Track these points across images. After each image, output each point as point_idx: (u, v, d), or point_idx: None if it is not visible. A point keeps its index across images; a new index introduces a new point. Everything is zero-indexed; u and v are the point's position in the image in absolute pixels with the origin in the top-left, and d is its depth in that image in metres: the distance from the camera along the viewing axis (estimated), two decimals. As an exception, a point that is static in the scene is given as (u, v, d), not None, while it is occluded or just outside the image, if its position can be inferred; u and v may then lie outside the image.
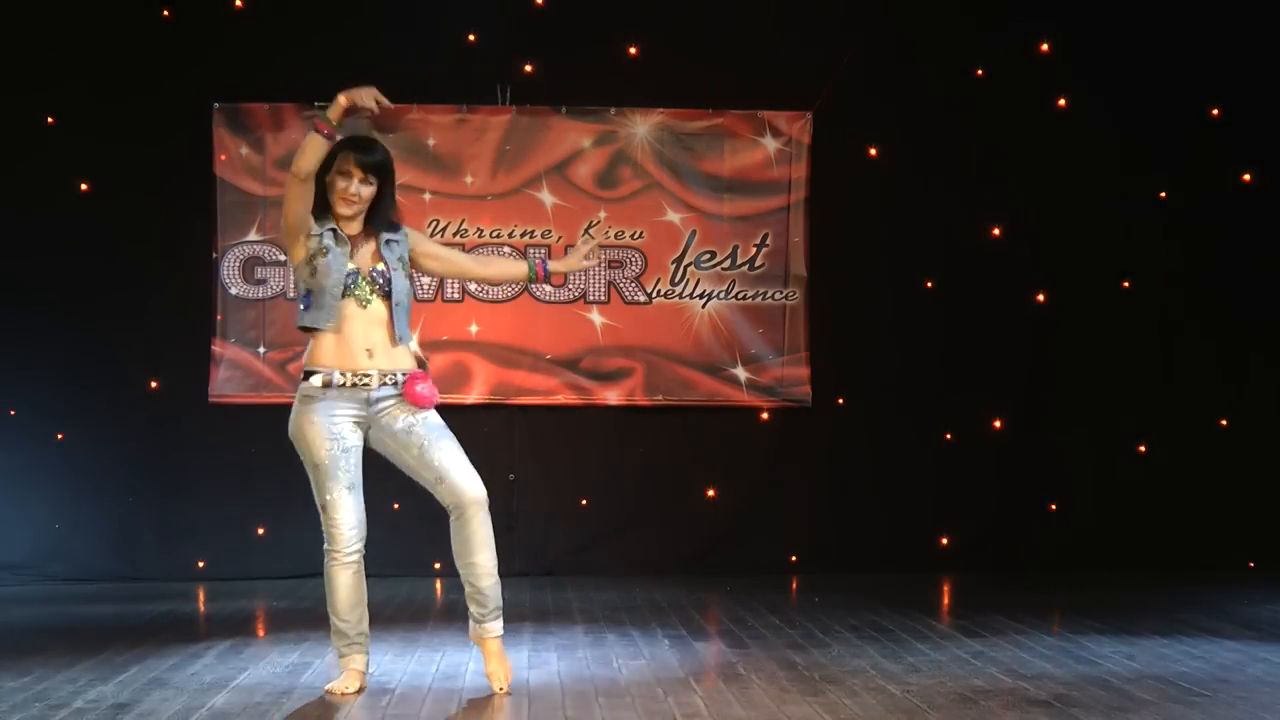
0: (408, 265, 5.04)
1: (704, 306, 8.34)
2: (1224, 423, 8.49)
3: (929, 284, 8.41)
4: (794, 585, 7.94)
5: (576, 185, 8.31)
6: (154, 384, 8.16)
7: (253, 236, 8.17)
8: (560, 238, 8.24)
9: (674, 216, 8.34)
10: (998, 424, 8.44)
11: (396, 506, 7.45)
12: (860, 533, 8.30)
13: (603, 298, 8.31)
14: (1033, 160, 8.40)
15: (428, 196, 8.20)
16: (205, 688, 5.05)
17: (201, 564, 8.12)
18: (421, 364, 5.02)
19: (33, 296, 8.05)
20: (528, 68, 8.29)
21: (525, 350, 8.27)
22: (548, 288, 8.22)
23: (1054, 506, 8.41)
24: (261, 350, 8.15)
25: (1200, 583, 7.73)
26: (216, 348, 8.14)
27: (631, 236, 8.31)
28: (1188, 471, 8.43)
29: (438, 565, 7.90)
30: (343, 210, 4.93)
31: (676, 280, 8.33)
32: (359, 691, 4.98)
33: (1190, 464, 8.43)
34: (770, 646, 5.87)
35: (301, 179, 4.79)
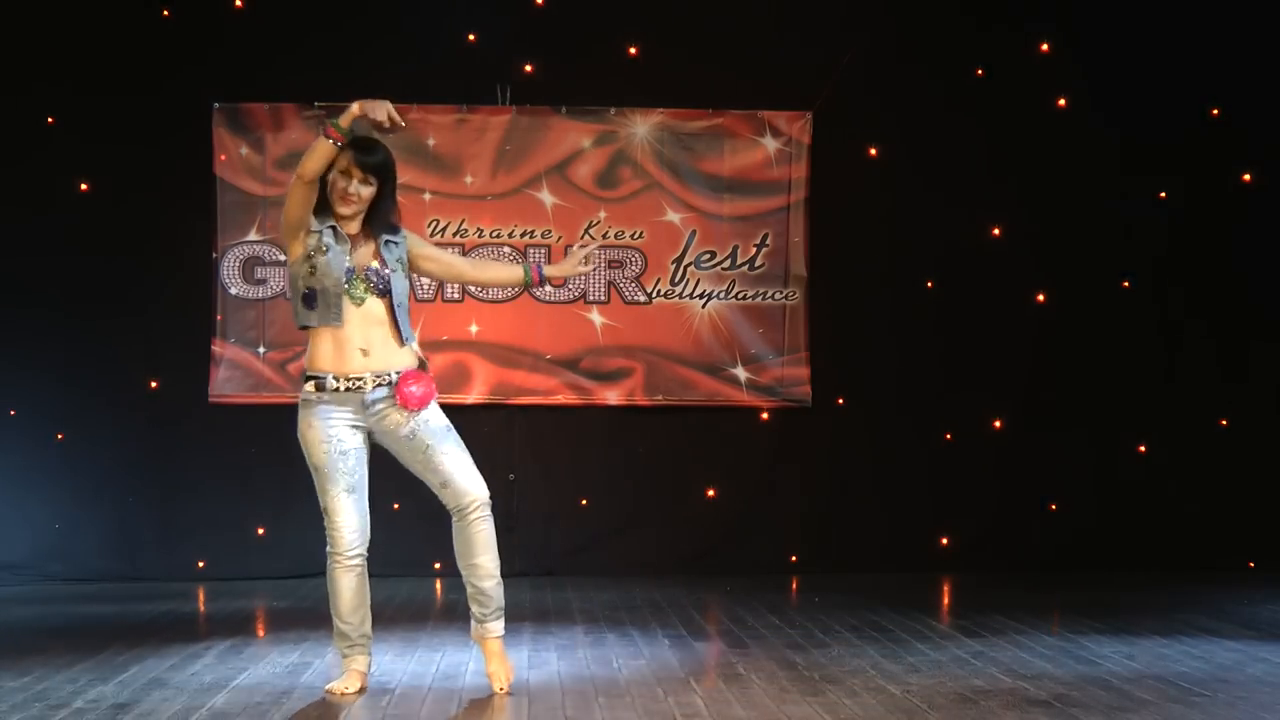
0: (407, 266, 5.04)
1: (704, 306, 8.34)
2: (1224, 423, 8.49)
3: (929, 284, 8.41)
4: (794, 585, 7.94)
5: (576, 185, 8.31)
6: (154, 384, 8.16)
7: (253, 236, 8.17)
8: (560, 238, 8.24)
9: (674, 216, 8.34)
10: (998, 424, 8.44)
11: (396, 506, 7.45)
12: (860, 533, 8.30)
13: (603, 298, 8.31)
14: (1033, 160, 8.40)
15: (428, 196, 8.20)
16: (205, 688, 5.05)
17: (201, 564, 8.13)
18: (422, 365, 5.02)
19: (33, 296, 8.05)
20: (528, 68, 8.29)
21: (525, 350, 8.27)
22: (548, 288, 8.22)
23: (1054, 506, 8.41)
24: (261, 350, 8.15)
25: (1200, 583, 7.73)
26: (216, 348, 8.14)
27: (631, 236, 8.31)
28: (1188, 471, 8.43)
29: (438, 565, 7.90)
30: (342, 210, 4.93)
31: (676, 280, 8.33)
32: (359, 692, 4.98)
33: (1190, 464, 8.43)
34: (770, 646, 5.87)
35: (306, 181, 4.79)
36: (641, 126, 8.33)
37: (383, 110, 4.70)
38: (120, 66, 8.09)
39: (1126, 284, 8.49)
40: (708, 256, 8.34)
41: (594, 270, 8.16)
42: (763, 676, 5.23)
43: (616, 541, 8.32)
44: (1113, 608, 6.82)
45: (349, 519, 4.96)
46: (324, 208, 4.93)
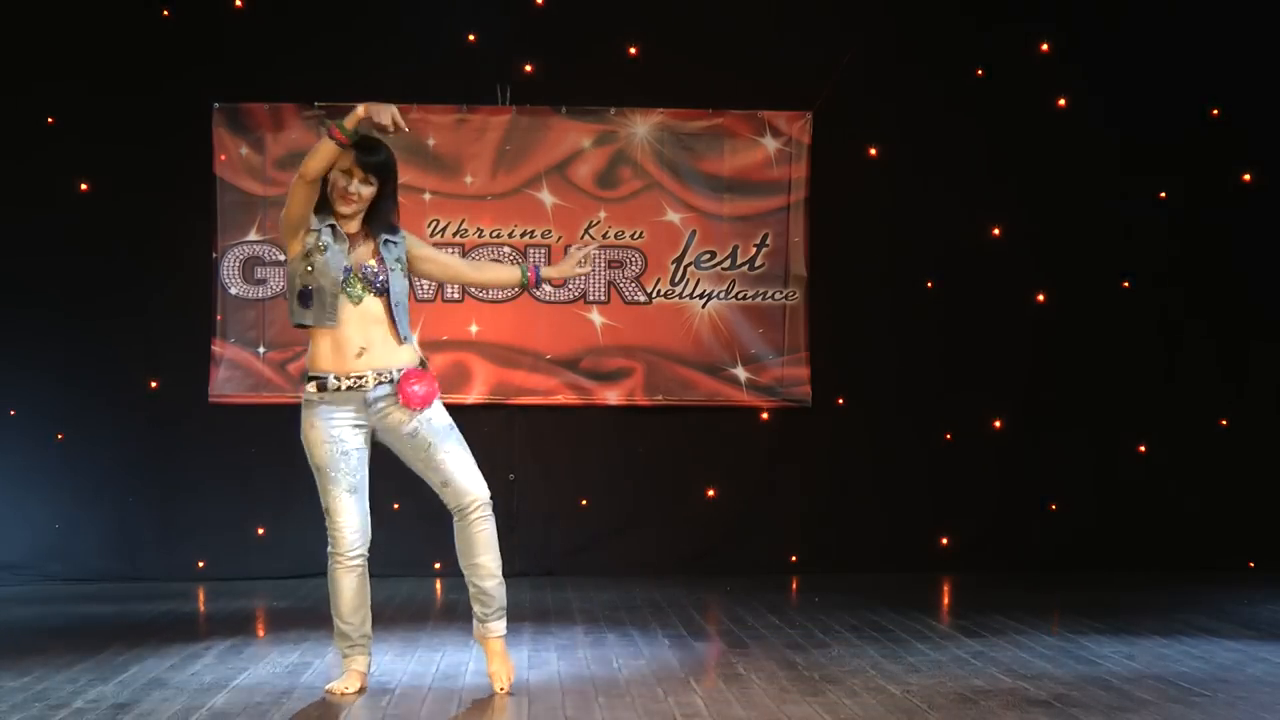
0: (405, 266, 5.04)
1: (704, 306, 8.34)
2: (1224, 423, 8.49)
3: (929, 284, 8.41)
4: (794, 585, 7.94)
5: (576, 185, 8.31)
6: (154, 384, 8.16)
7: (253, 236, 8.17)
8: (560, 238, 8.24)
9: (674, 216, 8.34)
10: (998, 424, 8.44)
11: (396, 506, 7.46)
12: (860, 533, 8.30)
13: (603, 298, 8.31)
14: (1033, 160, 8.40)
15: (428, 196, 8.20)
16: (205, 688, 5.05)
17: (201, 564, 8.13)
18: (422, 364, 5.02)
19: (33, 296, 8.05)
20: (528, 68, 8.29)
21: (525, 350, 8.27)
22: (548, 288, 8.23)
23: (1054, 506, 8.41)
24: (261, 350, 8.15)
25: (1200, 583, 7.73)
26: (216, 348, 8.14)
27: (631, 236, 8.31)
28: (1188, 471, 8.43)
29: (438, 565, 7.90)
30: (342, 209, 4.93)
31: (676, 280, 8.33)
32: (359, 692, 4.98)
33: (1190, 464, 8.43)
34: (770, 646, 5.87)
35: (308, 181, 4.79)
36: (641, 126, 8.33)
37: (387, 115, 4.69)
38: (120, 66, 8.09)
39: (1126, 284, 8.49)
40: (708, 256, 8.34)
41: (593, 270, 8.17)
42: (763, 676, 5.23)
43: (616, 541, 8.32)
44: (1113, 608, 6.82)
45: (350, 519, 4.96)
46: (324, 206, 4.93)
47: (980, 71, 8.41)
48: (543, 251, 8.23)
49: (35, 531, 8.08)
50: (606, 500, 8.36)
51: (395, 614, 6.76)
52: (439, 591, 7.69)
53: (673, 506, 8.34)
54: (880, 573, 8.06)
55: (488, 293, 8.17)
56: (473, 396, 8.17)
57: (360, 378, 4.90)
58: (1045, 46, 8.42)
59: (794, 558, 8.37)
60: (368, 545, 5.03)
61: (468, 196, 8.26)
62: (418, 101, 8.05)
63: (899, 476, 8.35)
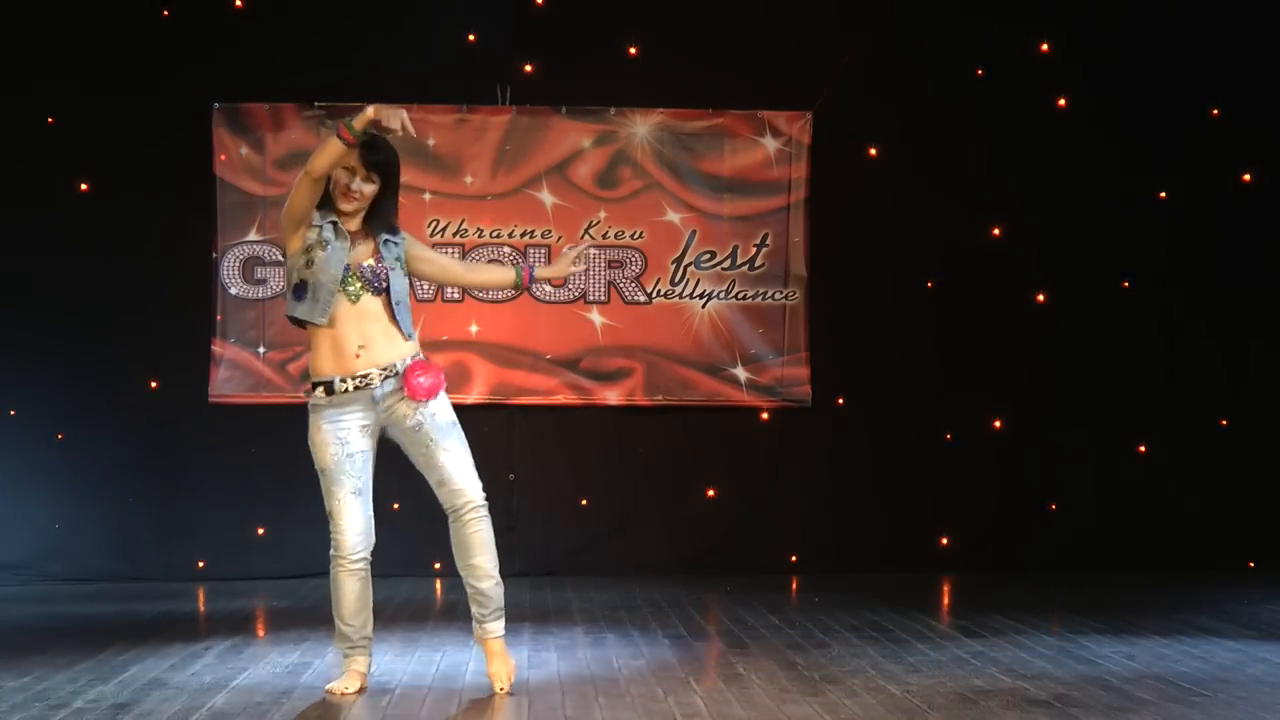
0: (404, 266, 5.04)
1: (704, 306, 8.34)
2: (1224, 423, 8.49)
3: (929, 284, 8.41)
4: (794, 585, 7.94)
5: (576, 185, 8.31)
6: (154, 384, 8.16)
7: (253, 236, 8.17)
8: (560, 238, 8.24)
9: (674, 216, 8.34)
10: (998, 424, 8.44)
11: (396, 506, 7.46)
12: (860, 533, 8.30)
13: (603, 298, 8.31)
14: (1033, 160, 8.40)
15: (428, 196, 8.20)
16: (205, 688, 5.05)
17: (201, 564, 8.13)
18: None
19: (33, 297, 8.05)
20: (528, 68, 8.29)
21: (525, 350, 8.27)
22: (548, 288, 8.23)
23: (1054, 506, 8.41)
24: (261, 350, 8.15)
25: (1200, 583, 7.73)
26: (216, 348, 8.14)
27: (631, 236, 8.32)
28: (1188, 471, 8.43)
29: (438, 565, 7.90)
30: (343, 206, 4.93)
31: (676, 280, 8.33)
32: (359, 692, 4.98)
33: (1190, 464, 8.43)
34: (770, 646, 5.87)
35: (314, 178, 4.79)
36: (641, 126, 8.33)
37: (397, 119, 4.68)
38: (120, 66, 8.09)
39: (1126, 284, 8.49)
40: (708, 256, 8.34)
41: (589, 270, 8.20)
42: (763, 676, 5.23)
43: (616, 541, 8.32)
44: (1113, 608, 6.82)
45: (354, 522, 4.96)
46: (325, 203, 4.93)
47: (980, 71, 8.41)
48: (543, 251, 8.23)
49: (35, 531, 8.08)
50: (606, 500, 8.36)
51: (395, 614, 6.76)
52: (439, 591, 7.69)
53: (673, 506, 8.34)
54: (880, 573, 8.06)
55: (486, 293, 8.17)
56: (473, 396, 8.16)
57: (364, 376, 4.90)
58: (1045, 46, 8.42)
59: (794, 558, 8.37)
60: (370, 548, 5.03)
61: (468, 196, 8.26)
62: (418, 101, 8.03)
63: (899, 476, 8.35)
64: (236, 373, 8.14)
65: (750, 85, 8.31)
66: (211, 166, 8.15)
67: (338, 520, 4.96)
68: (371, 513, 5.02)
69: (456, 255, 8.13)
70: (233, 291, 8.15)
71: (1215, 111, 8.44)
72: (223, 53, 8.11)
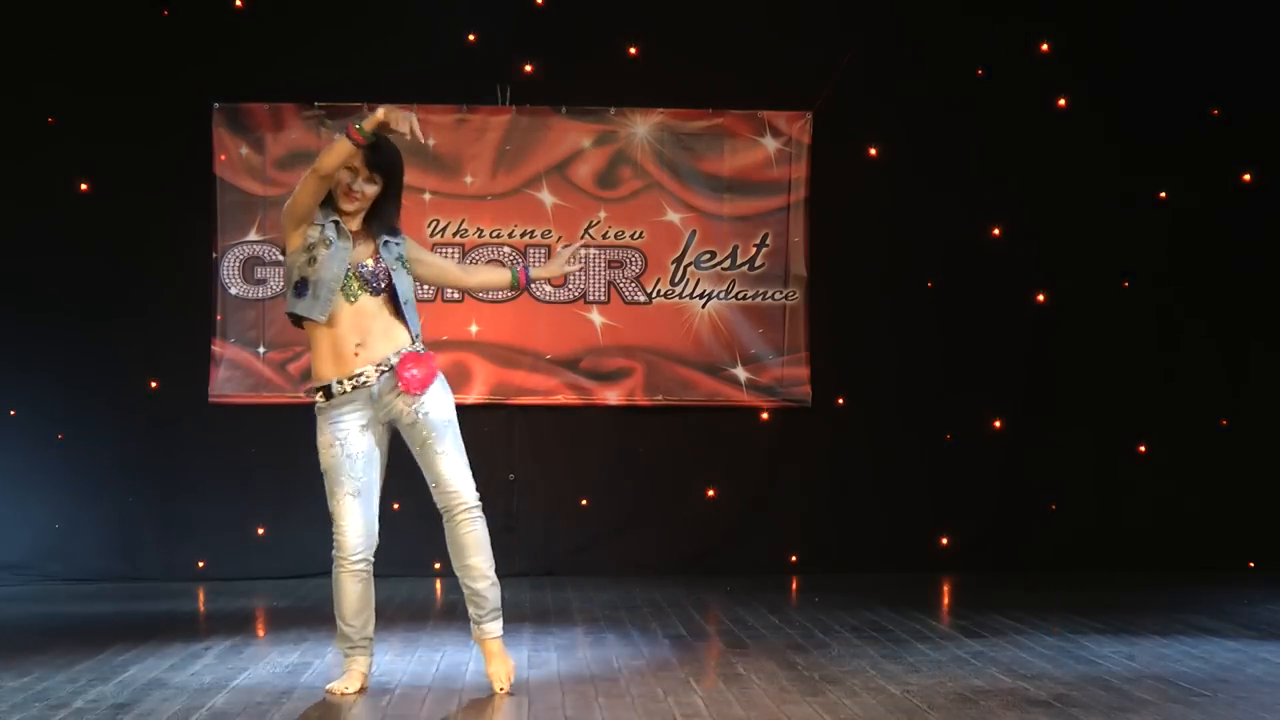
0: (407, 266, 5.04)
1: (704, 306, 8.34)
2: (1224, 423, 8.49)
3: (929, 284, 8.41)
4: (794, 585, 7.94)
5: (576, 185, 8.31)
6: (154, 384, 8.16)
7: (253, 236, 8.17)
8: (560, 238, 8.23)
9: (674, 216, 8.34)
10: (998, 424, 8.44)
11: (396, 506, 7.44)
12: (860, 533, 8.30)
13: (603, 298, 8.31)
14: (1033, 160, 8.40)
15: (428, 196, 8.20)
16: (205, 688, 5.05)
17: (201, 564, 8.13)
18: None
19: (33, 297, 8.05)
20: (528, 68, 8.29)
21: (525, 350, 8.27)
22: (548, 288, 8.23)
23: (1054, 506, 8.41)
24: (261, 350, 8.15)
25: (1200, 583, 7.73)
26: (216, 348, 8.14)
27: (631, 236, 8.32)
28: (1188, 471, 8.43)
29: (438, 565, 7.89)
30: (345, 205, 4.93)
31: (676, 280, 8.33)
32: (360, 692, 4.98)
33: (1190, 464, 8.43)
34: (770, 646, 5.87)
35: (321, 177, 4.80)
36: (641, 126, 8.33)
37: (406, 124, 4.68)
38: (120, 66, 8.09)
39: (1126, 284, 8.49)
40: (708, 256, 8.34)
41: (590, 270, 8.21)
42: (763, 676, 5.23)
43: (616, 541, 8.31)
44: (1113, 608, 6.81)
45: (354, 523, 4.97)
46: (326, 202, 4.93)
47: (980, 71, 8.41)
48: (543, 251, 8.23)
49: (35, 531, 8.08)
50: (606, 500, 8.36)
51: (395, 614, 6.76)
52: (439, 591, 7.69)
53: (673, 506, 8.34)
54: (880, 573, 8.06)
55: (485, 294, 8.16)
56: (473, 396, 8.16)
57: (360, 374, 4.91)
58: (1045, 46, 8.42)
59: (794, 558, 8.37)
60: (373, 550, 5.03)
61: (468, 196, 8.26)
62: (418, 101, 8.03)
63: (899, 476, 8.35)
64: (236, 373, 8.14)
65: (750, 85, 8.32)
66: (211, 166, 8.15)
67: (338, 521, 4.97)
68: (375, 514, 5.03)
69: (456, 255, 8.13)
70: (233, 291, 8.15)
71: (1215, 111, 8.44)
72: (222, 53, 8.11)
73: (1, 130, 8.06)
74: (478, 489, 5.01)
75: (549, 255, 8.19)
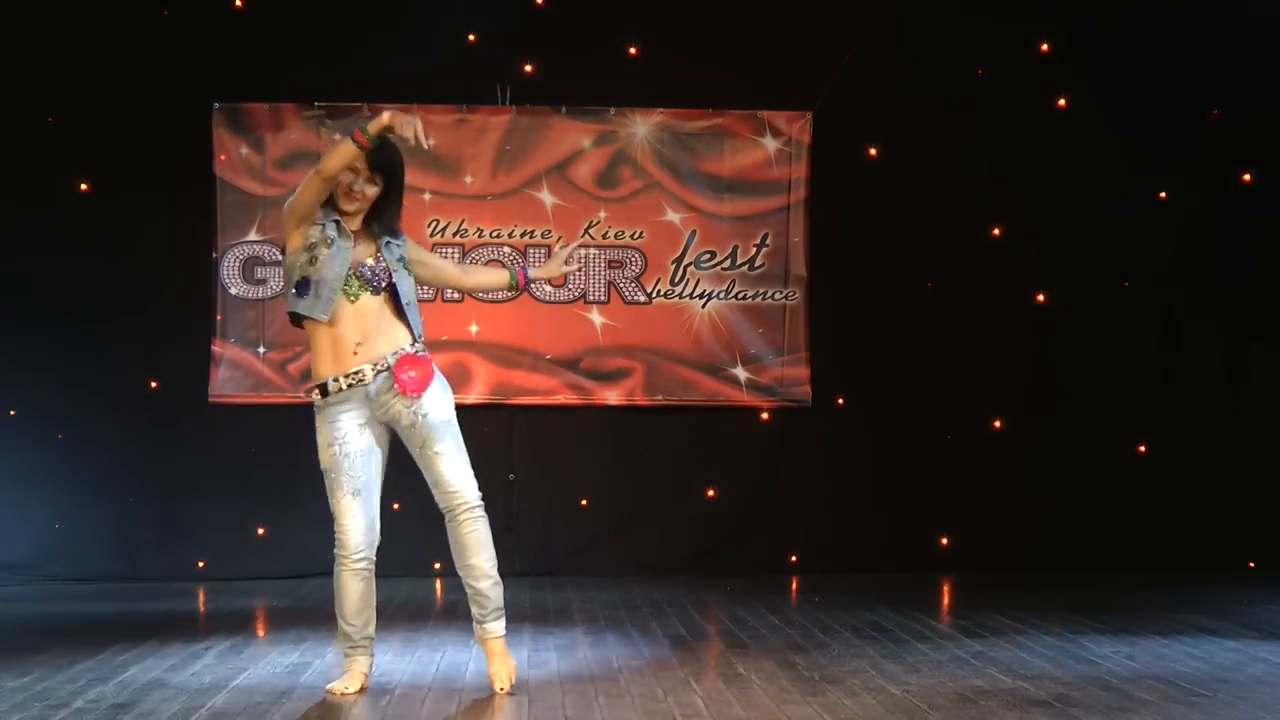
0: (408, 266, 5.04)
1: (704, 306, 8.34)
2: (1224, 423, 8.48)
3: (929, 284, 8.41)
4: (794, 585, 7.94)
5: (576, 185, 8.31)
6: (154, 384, 8.16)
7: (253, 236, 8.17)
8: (560, 238, 8.23)
9: (674, 216, 8.34)
10: (998, 424, 8.44)
11: (396, 506, 7.42)
12: (860, 533, 8.29)
13: (603, 298, 8.31)
14: (1033, 160, 8.40)
15: (428, 196, 8.19)
16: (205, 688, 5.05)
17: (201, 564, 8.12)
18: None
19: (33, 297, 8.05)
20: (528, 68, 8.29)
21: (525, 350, 8.27)
22: (548, 288, 8.23)
23: (1054, 506, 8.41)
24: (261, 350, 8.15)
25: (1200, 583, 7.73)
26: (216, 348, 8.14)
27: (631, 236, 8.31)
28: (1188, 471, 8.43)
29: (438, 565, 7.90)
30: (345, 206, 4.94)
31: (676, 280, 8.33)
32: (360, 692, 4.98)
33: (1190, 464, 8.43)
34: (770, 646, 5.87)
35: (324, 178, 4.81)
36: (641, 126, 8.33)
37: (411, 129, 4.71)
38: (120, 66, 8.08)
39: (1126, 284, 8.49)
40: (708, 256, 8.34)
41: (589, 270, 8.21)
42: (763, 676, 5.23)
43: (616, 541, 8.32)
44: (1113, 608, 6.81)
45: (355, 521, 4.97)
46: (326, 202, 4.94)
47: (980, 71, 8.41)
48: (543, 252, 8.23)
49: (35, 531, 8.08)
50: (606, 500, 8.36)
51: (395, 614, 6.76)
52: (439, 591, 7.69)
53: (673, 506, 8.34)
54: (880, 573, 8.06)
55: (485, 294, 8.16)
56: (473, 396, 8.16)
57: (357, 373, 4.91)
58: (1045, 46, 8.42)
59: (794, 558, 8.37)
60: (374, 548, 5.03)
61: (468, 196, 8.26)
62: (418, 101, 8.04)
63: (899, 476, 8.35)
64: (236, 373, 8.14)
65: (750, 85, 8.32)
66: (211, 166, 8.15)
67: (338, 519, 4.98)
68: (376, 512, 5.03)
69: (456, 256, 8.14)
70: (233, 291, 8.15)
71: (1215, 111, 8.44)
72: (223, 53, 8.11)
73: (1, 130, 8.06)
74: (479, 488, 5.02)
75: (549, 255, 8.19)
